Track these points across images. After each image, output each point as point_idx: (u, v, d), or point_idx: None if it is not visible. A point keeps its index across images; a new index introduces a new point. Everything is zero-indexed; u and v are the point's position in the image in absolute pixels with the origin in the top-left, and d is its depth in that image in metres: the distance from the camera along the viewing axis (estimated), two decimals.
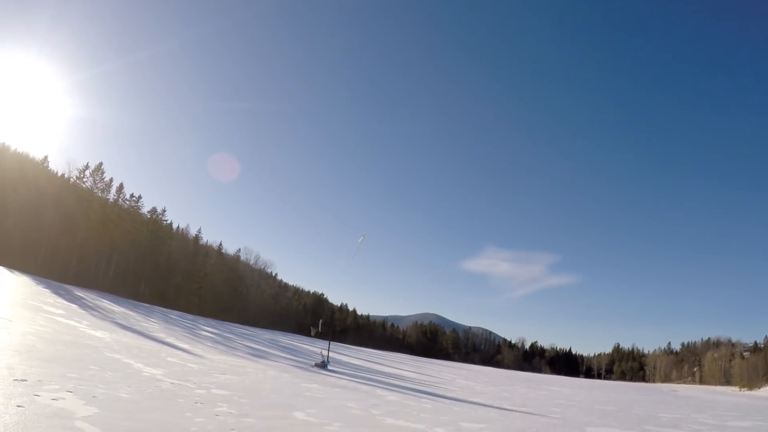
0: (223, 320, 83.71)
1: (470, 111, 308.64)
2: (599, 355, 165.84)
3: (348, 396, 19.13)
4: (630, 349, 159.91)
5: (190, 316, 69.40)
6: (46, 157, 78.24)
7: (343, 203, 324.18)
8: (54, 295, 40.37)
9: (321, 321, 42.01)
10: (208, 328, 54.47)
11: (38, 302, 31.82)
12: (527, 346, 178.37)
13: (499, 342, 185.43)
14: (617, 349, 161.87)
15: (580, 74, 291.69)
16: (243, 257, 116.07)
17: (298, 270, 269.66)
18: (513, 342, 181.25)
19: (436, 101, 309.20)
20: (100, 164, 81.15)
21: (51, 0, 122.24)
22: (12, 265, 56.34)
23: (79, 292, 51.69)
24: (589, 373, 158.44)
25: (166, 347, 26.74)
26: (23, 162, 74.26)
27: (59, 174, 79.25)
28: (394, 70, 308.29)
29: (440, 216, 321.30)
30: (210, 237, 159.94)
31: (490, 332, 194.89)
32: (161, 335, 33.50)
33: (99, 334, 24.90)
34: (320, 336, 68.83)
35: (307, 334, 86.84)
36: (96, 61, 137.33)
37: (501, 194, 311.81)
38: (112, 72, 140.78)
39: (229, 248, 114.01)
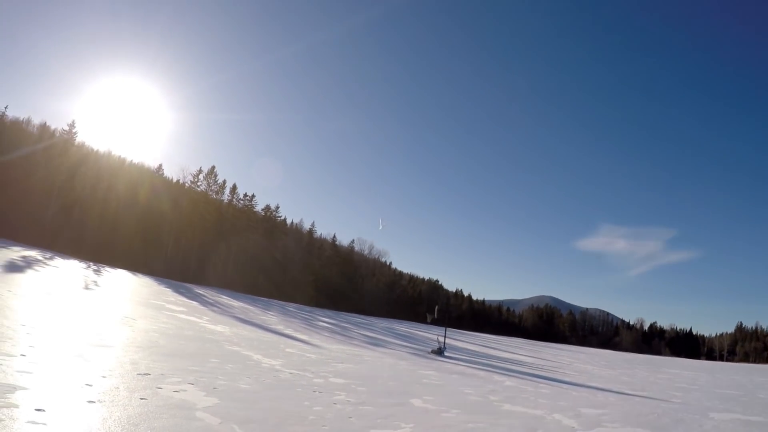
0: (339, 311, 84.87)
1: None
2: (721, 335, 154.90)
3: (465, 382, 18.53)
4: (754, 328, 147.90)
5: (307, 308, 70.90)
6: (160, 166, 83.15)
7: (453, 191, 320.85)
8: (175, 293, 42.20)
9: (437, 307, 41.47)
10: (324, 318, 55.38)
11: (161, 301, 33.08)
12: (646, 327, 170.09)
13: (617, 323, 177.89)
14: (740, 329, 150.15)
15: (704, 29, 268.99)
16: (357, 248, 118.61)
17: (413, 257, 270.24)
18: (631, 323, 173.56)
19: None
20: (213, 168, 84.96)
21: (156, 31, 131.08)
22: (135, 269, 60.02)
23: (199, 290, 53.56)
24: (710, 355, 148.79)
25: (284, 339, 27.13)
26: (140, 172, 79.10)
27: (174, 180, 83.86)
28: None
29: (553, 195, 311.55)
30: (324, 230, 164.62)
31: (608, 313, 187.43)
32: (279, 327, 34.21)
33: (219, 328, 25.40)
34: (436, 323, 68.53)
35: (423, 321, 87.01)
36: (204, 75, 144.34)
37: (613, 168, 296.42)
38: (217, 84, 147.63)
39: (343, 240, 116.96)
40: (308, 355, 20.69)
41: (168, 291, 42.77)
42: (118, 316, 20.97)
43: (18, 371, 8.17)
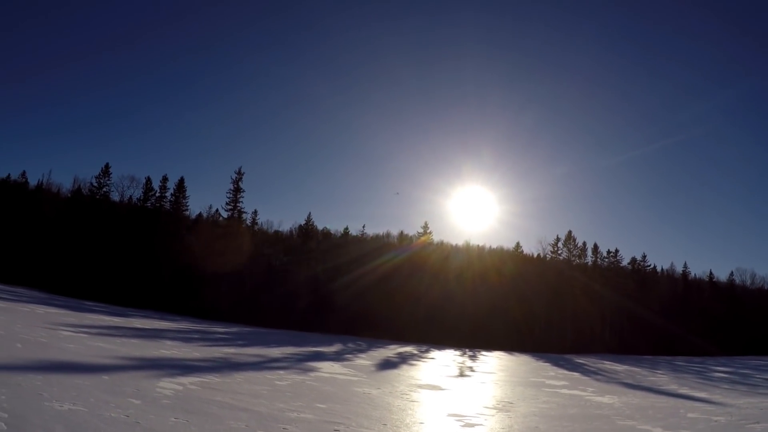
0: (731, 355, 74.46)
1: None
2: None
3: None
4: None
5: (696, 359, 63.10)
6: (518, 244, 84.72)
7: None
8: (554, 367, 40.42)
9: None
10: (718, 368, 47.31)
11: (540, 378, 31.66)
12: None
13: None
14: None
15: None
16: (737, 280, 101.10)
17: None
18: None
19: None
20: (569, 233, 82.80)
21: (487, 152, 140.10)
22: (511, 348, 60.20)
23: (579, 359, 51.34)
24: None
25: (681, 401, 23.01)
26: (500, 255, 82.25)
27: (535, 255, 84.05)
28: None
29: None
30: (698, 269, 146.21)
31: None
32: (672, 387, 29.56)
33: (606, 399, 22.95)
34: None
35: None
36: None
37: None
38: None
39: (721, 273, 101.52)
40: (715, 418, 16.29)
41: (547, 366, 41.19)
42: (494, 400, 19.82)
43: None
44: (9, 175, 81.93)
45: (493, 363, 41.38)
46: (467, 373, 31.52)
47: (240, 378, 17.84)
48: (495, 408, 17.72)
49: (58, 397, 10.34)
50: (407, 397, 18.46)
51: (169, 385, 13.85)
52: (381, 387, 20.55)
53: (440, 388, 22.04)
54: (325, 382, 20.16)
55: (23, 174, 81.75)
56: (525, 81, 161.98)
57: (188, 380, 15.35)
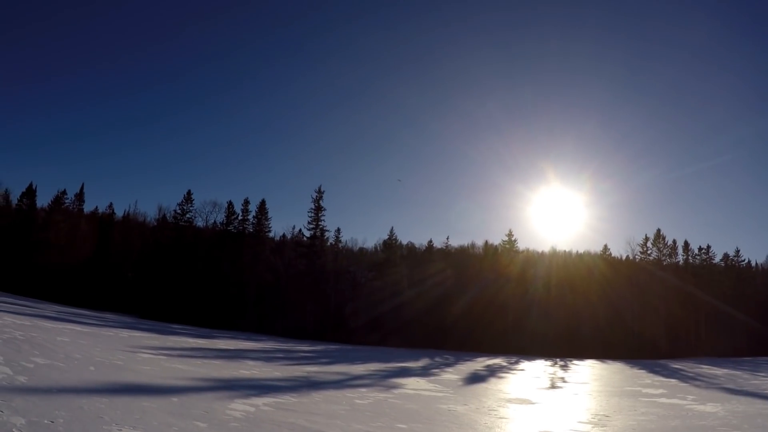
0: None
1: None
2: None
3: None
4: None
5: None
6: (605, 247, 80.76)
7: None
8: (650, 374, 37.74)
9: None
10: None
11: (636, 386, 29.46)
12: None
13: None
14: None
15: None
16: None
17: None
18: None
19: None
20: (658, 231, 78.26)
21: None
22: (603, 356, 57.08)
23: (676, 365, 48.52)
24: None
25: None
26: (586, 260, 78.78)
27: (623, 257, 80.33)
28: None
29: None
30: None
31: None
32: None
33: (709, 408, 20.97)
34: None
35: None
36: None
37: None
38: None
39: None
40: None
41: (642, 373, 38.44)
42: (588, 414, 17.89)
43: None
44: (96, 207, 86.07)
45: (586, 372, 38.98)
46: (559, 384, 29.50)
47: (318, 397, 16.83)
48: (590, 422, 16.13)
49: (119, 420, 9.83)
50: (495, 413, 16.91)
51: (240, 407, 13.03)
52: (468, 403, 19.07)
53: (530, 402, 20.29)
54: (409, 399, 18.86)
55: (110, 206, 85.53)
56: (616, 81, 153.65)
57: (263, 401, 14.49)
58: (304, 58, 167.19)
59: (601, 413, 18.23)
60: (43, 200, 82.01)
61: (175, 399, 12.86)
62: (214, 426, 10.49)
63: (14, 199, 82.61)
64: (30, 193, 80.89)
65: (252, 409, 12.93)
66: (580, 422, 15.95)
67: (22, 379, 11.96)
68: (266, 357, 32.13)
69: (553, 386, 28.22)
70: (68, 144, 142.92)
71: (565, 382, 30.93)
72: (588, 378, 34.43)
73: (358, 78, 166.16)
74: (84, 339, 24.30)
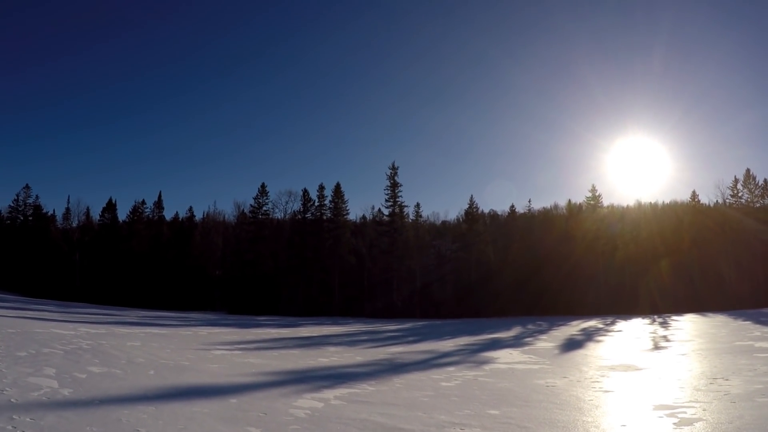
0: None
1: None
2: None
3: None
4: None
5: None
6: (693, 193, 75.74)
7: None
8: (758, 325, 33.69)
9: None
10: None
11: (745, 340, 26.11)
12: None
13: None
14: None
15: None
16: None
17: None
18: None
19: None
20: (748, 171, 71.83)
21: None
22: (698, 309, 53.19)
23: None
24: None
25: None
26: (674, 210, 75.39)
27: (712, 203, 75.45)
28: None
29: None
30: None
31: None
32: None
33: None
34: None
35: None
36: None
37: None
38: None
39: None
40: None
41: (747, 325, 34.82)
42: (704, 378, 15.37)
43: None
44: (177, 213, 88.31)
45: (687, 328, 35.46)
46: (662, 344, 26.46)
47: (399, 383, 15.07)
48: (707, 390, 13.66)
49: (157, 431, 8.14)
50: (599, 385, 14.56)
51: (307, 403, 11.45)
52: (567, 374, 16.79)
53: (636, 368, 17.73)
54: (502, 376, 16.79)
55: (190, 209, 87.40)
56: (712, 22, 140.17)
57: (335, 393, 12.90)
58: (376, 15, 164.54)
59: (718, 376, 15.48)
60: (122, 214, 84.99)
61: (233, 400, 11.40)
62: (268, 430, 8.86)
63: (95, 214, 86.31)
64: (110, 207, 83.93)
65: (320, 405, 11.29)
66: (697, 390, 13.39)
67: (65, 392, 10.84)
68: (349, 341, 30.81)
69: (656, 347, 25.06)
70: (145, 162, 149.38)
71: (668, 341, 27.68)
72: (691, 334, 30.89)
73: (432, 33, 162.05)
74: (157, 341, 23.62)
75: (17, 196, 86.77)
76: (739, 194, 72.15)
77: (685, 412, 10.62)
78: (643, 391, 13.59)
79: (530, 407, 11.45)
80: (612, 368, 17.79)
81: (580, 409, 11.39)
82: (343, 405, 11.45)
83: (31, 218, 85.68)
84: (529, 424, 9.81)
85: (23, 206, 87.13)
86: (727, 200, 72.99)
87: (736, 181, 72.32)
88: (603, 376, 16.13)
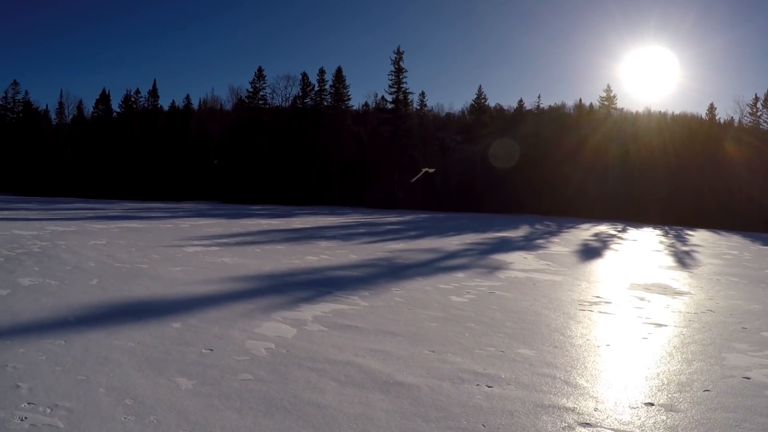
0: None
1: None
2: None
3: None
4: None
5: None
6: (711, 105, 73.05)
7: None
8: None
9: None
10: None
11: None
12: None
13: None
14: None
15: None
16: None
17: None
18: None
19: None
20: None
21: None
22: (711, 226, 51.13)
23: None
24: None
25: None
26: (687, 121, 74.02)
27: (727, 119, 73.45)
28: None
29: None
30: None
31: None
32: None
33: None
34: None
35: None
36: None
37: None
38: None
39: None
40: None
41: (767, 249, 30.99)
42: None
43: None
44: (173, 101, 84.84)
45: (707, 245, 31.88)
46: (687, 261, 23.19)
47: (399, 295, 12.25)
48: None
49: (39, 390, 5.45)
50: (644, 313, 11.38)
51: (274, 330, 8.65)
52: (598, 292, 13.78)
53: (675, 292, 14.48)
54: (522, 289, 13.85)
55: (186, 97, 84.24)
56: None
57: (314, 312, 10.02)
58: None
59: None
60: (117, 106, 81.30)
61: (176, 325, 8.54)
62: (202, 386, 6.02)
63: (89, 107, 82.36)
64: (104, 98, 80.00)
65: (291, 334, 8.38)
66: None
67: None
68: (345, 234, 28.21)
69: (681, 264, 21.61)
70: (138, 44, 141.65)
71: (692, 258, 24.49)
72: (713, 252, 27.32)
73: None
74: (127, 238, 21.04)
75: (5, 93, 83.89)
76: (759, 113, 68.12)
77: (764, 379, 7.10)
78: (699, 326, 10.53)
79: (574, 346, 8.33)
80: (647, 288, 14.62)
81: (632, 351, 8.41)
82: (322, 333, 8.54)
83: (21, 115, 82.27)
84: (582, 381, 6.87)
85: (12, 103, 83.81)
86: (745, 119, 69.30)
87: (756, 99, 67.97)
88: (642, 299, 12.91)
